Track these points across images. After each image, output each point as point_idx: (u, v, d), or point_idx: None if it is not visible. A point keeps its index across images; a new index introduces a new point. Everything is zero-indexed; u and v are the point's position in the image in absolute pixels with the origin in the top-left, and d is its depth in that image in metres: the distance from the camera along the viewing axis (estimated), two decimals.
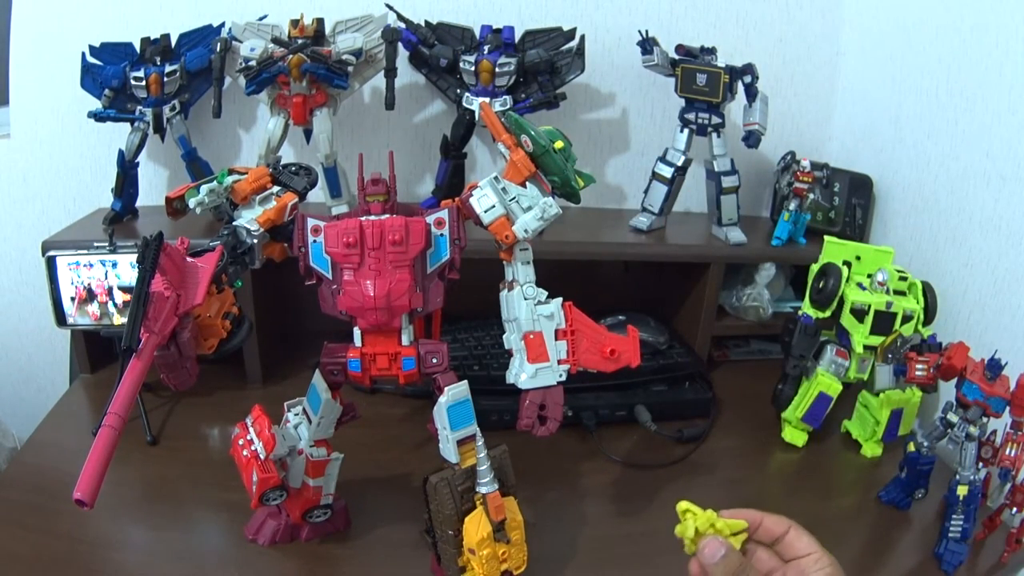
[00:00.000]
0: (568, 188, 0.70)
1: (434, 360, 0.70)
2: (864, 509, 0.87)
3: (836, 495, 0.92)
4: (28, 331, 1.26)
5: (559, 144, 0.69)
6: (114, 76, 1.05)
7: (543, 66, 1.09)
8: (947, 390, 0.83)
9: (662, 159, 1.15)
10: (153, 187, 1.19)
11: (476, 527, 0.64)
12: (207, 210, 0.75)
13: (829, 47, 1.29)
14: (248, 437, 0.71)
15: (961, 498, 0.76)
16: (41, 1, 1.11)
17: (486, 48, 1.08)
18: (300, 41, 1.02)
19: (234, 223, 0.74)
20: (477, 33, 1.11)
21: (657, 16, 1.21)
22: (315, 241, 0.69)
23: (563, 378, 0.71)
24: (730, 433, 1.01)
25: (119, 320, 0.98)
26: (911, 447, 0.83)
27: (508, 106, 1.08)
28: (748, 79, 1.10)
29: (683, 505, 0.54)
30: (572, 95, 1.15)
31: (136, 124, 1.07)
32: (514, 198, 0.69)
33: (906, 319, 0.91)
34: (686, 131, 1.12)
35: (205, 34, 1.10)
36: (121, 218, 1.11)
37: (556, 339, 0.70)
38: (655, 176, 1.15)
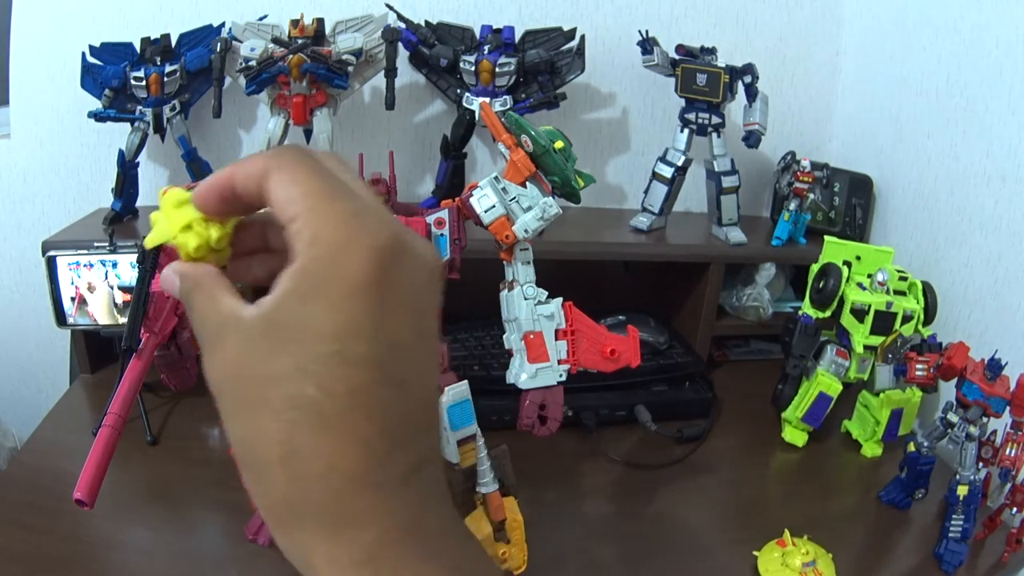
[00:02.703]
0: (568, 188, 0.70)
1: None
2: (864, 509, 0.87)
3: (836, 495, 0.92)
4: (28, 331, 1.26)
5: (559, 144, 0.69)
6: (114, 76, 1.05)
7: (543, 66, 1.09)
8: (947, 390, 0.83)
9: (662, 159, 1.15)
10: (153, 187, 1.18)
11: (476, 527, 0.64)
12: None
13: (829, 47, 1.29)
14: None
15: (961, 498, 0.76)
16: (41, 1, 1.11)
17: (486, 48, 1.08)
18: (300, 41, 1.02)
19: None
20: (477, 33, 1.11)
21: (657, 16, 1.21)
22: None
23: (563, 378, 0.71)
24: (730, 433, 1.01)
25: (114, 316, 0.98)
26: (911, 447, 0.83)
27: (508, 106, 1.08)
28: (748, 79, 1.10)
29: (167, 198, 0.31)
30: (572, 95, 1.15)
31: (136, 124, 1.07)
32: (514, 198, 0.69)
33: (906, 319, 0.91)
34: (686, 131, 1.12)
35: (205, 34, 1.10)
36: (121, 218, 1.11)
37: (556, 339, 0.70)
38: (655, 176, 1.15)
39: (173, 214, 0.30)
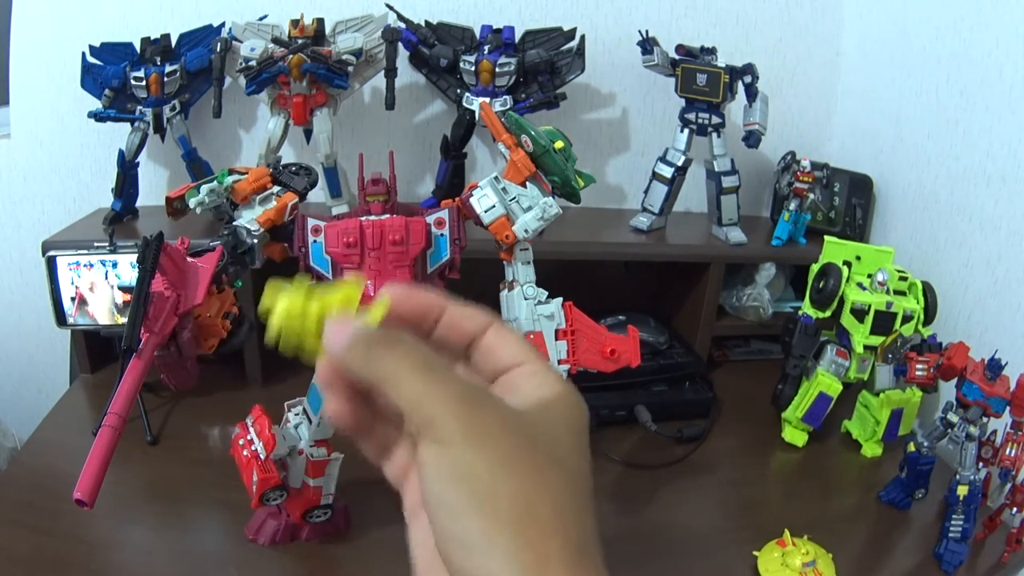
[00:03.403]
0: (568, 188, 0.70)
1: None
2: (864, 509, 0.87)
3: (836, 495, 0.92)
4: (28, 331, 1.26)
5: (559, 144, 0.69)
6: (114, 76, 1.05)
7: (543, 66, 1.09)
8: (947, 390, 0.83)
9: (662, 159, 1.15)
10: (153, 187, 1.18)
11: None
12: (207, 210, 0.75)
13: (829, 47, 1.29)
14: (248, 437, 0.71)
15: (961, 498, 0.76)
16: (41, 1, 1.11)
17: (486, 48, 1.08)
18: (300, 41, 1.02)
19: (234, 223, 0.74)
20: (477, 33, 1.11)
21: (657, 16, 1.21)
22: (315, 241, 0.69)
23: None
24: (730, 433, 1.01)
25: (114, 316, 0.98)
26: (911, 447, 0.83)
27: (508, 106, 1.08)
28: (748, 79, 1.10)
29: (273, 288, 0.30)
30: (572, 95, 1.15)
31: (136, 124, 1.07)
32: (514, 198, 0.69)
33: (906, 319, 0.91)
34: (686, 131, 1.12)
35: (205, 34, 1.10)
36: (121, 218, 1.11)
37: (556, 339, 0.70)
38: (655, 176, 1.15)
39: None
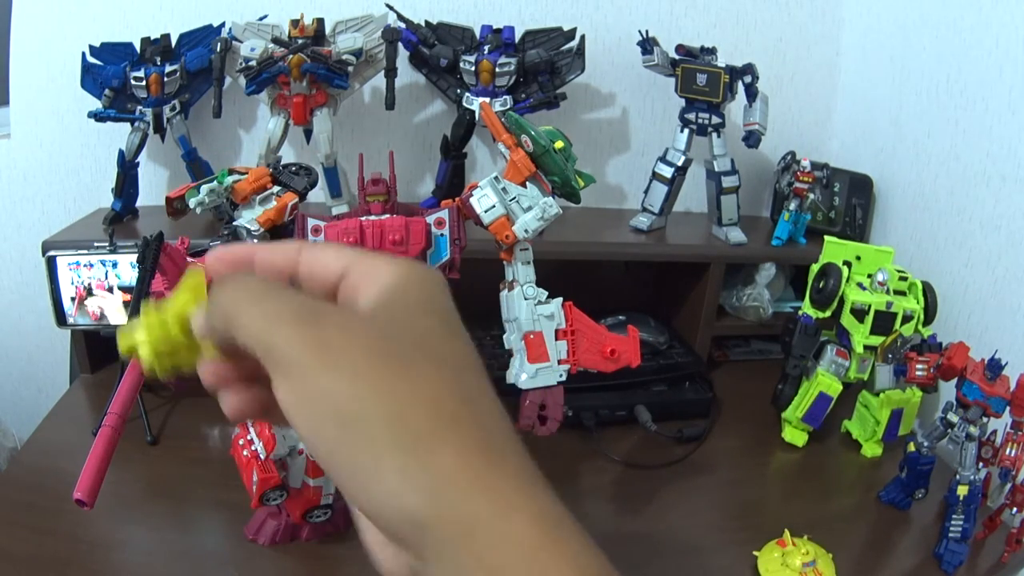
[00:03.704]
0: (568, 188, 0.70)
1: None
2: (864, 509, 0.87)
3: (836, 495, 0.93)
4: (28, 331, 1.26)
5: (559, 144, 0.69)
6: (114, 76, 1.05)
7: (543, 66, 1.09)
8: (947, 390, 0.83)
9: (662, 159, 1.15)
10: (153, 187, 1.18)
11: None
12: (207, 210, 0.76)
13: (829, 47, 1.29)
14: (248, 437, 0.71)
15: (961, 498, 0.76)
16: (41, 1, 1.11)
17: (486, 48, 1.08)
18: (300, 41, 1.02)
19: (234, 223, 0.74)
20: (477, 33, 1.11)
21: (657, 16, 1.21)
22: (315, 241, 0.69)
23: (563, 378, 0.71)
24: (730, 433, 1.01)
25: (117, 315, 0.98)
26: (911, 447, 0.83)
27: (508, 106, 1.08)
28: (748, 79, 1.10)
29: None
30: (572, 95, 1.15)
31: (136, 124, 1.07)
32: (514, 198, 0.69)
33: (906, 319, 0.91)
34: (686, 131, 1.12)
35: (205, 34, 1.10)
36: (121, 218, 1.11)
37: (556, 339, 0.70)
38: (655, 176, 1.15)
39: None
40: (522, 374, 0.70)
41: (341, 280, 0.27)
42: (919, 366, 0.82)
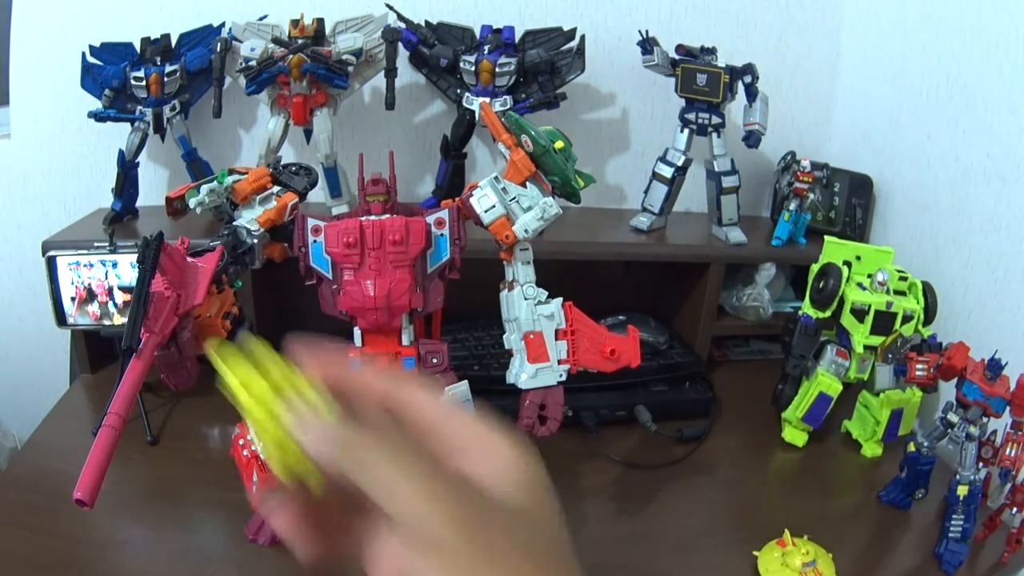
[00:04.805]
0: (568, 188, 0.70)
1: (434, 360, 0.70)
2: (864, 509, 0.87)
3: (836, 495, 0.93)
4: (28, 331, 1.26)
5: (559, 144, 0.69)
6: (114, 76, 1.05)
7: (543, 66, 1.09)
8: (947, 390, 0.83)
9: (662, 159, 1.15)
10: (153, 187, 1.19)
11: None
12: (207, 210, 0.75)
13: (829, 47, 1.29)
14: (248, 437, 0.71)
15: (961, 498, 0.76)
16: (41, 1, 1.11)
17: (486, 48, 1.08)
18: (300, 41, 1.02)
19: (234, 223, 0.74)
20: (477, 33, 1.11)
21: (657, 16, 1.21)
22: (315, 241, 0.69)
23: (563, 378, 0.71)
24: (730, 433, 1.01)
25: (119, 320, 0.98)
26: (911, 447, 0.83)
27: (508, 106, 1.08)
28: (748, 79, 1.10)
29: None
30: (572, 95, 1.15)
31: (136, 124, 1.07)
32: (514, 198, 0.69)
33: (906, 319, 0.91)
34: (686, 131, 1.12)
35: (205, 34, 1.10)
36: (121, 218, 1.11)
37: (556, 339, 0.71)
38: (655, 176, 1.15)
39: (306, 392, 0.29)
40: (522, 374, 0.70)
41: (452, 449, 0.28)
42: (919, 366, 0.82)
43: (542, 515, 0.28)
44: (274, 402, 0.28)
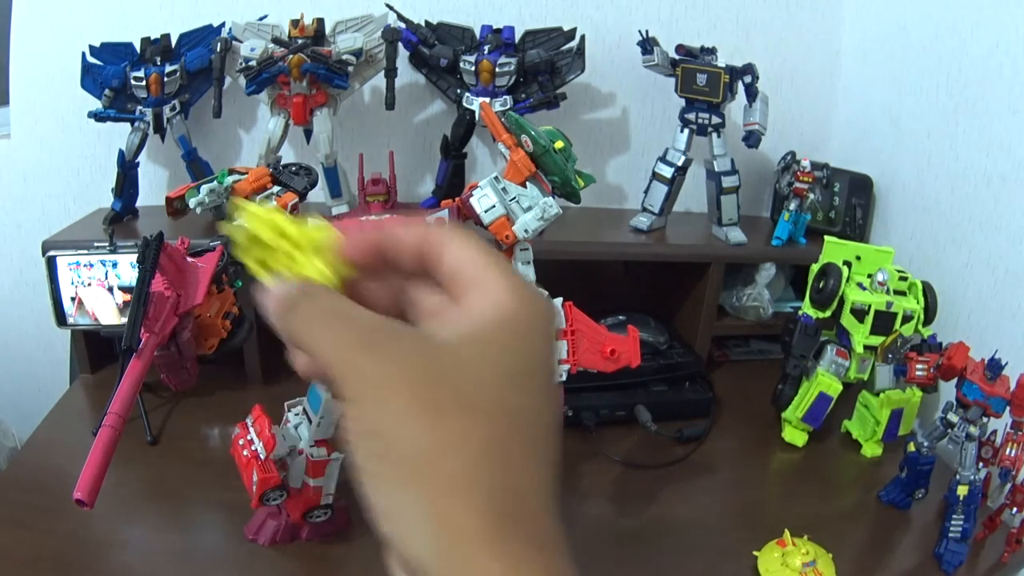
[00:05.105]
0: (568, 188, 0.70)
1: None
2: (864, 509, 0.87)
3: (836, 495, 0.92)
4: (28, 331, 1.26)
5: (559, 144, 0.69)
6: (114, 76, 1.05)
7: (543, 66, 1.09)
8: (947, 390, 0.83)
9: (662, 159, 1.15)
10: (153, 187, 1.18)
11: None
12: (207, 210, 0.76)
13: (829, 47, 1.29)
14: (248, 437, 0.71)
15: (961, 498, 0.76)
16: (41, 1, 1.11)
17: (486, 48, 1.08)
18: (300, 41, 1.02)
19: (234, 223, 0.74)
20: (477, 33, 1.11)
21: (657, 16, 1.21)
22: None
23: (563, 378, 0.71)
24: (730, 433, 1.01)
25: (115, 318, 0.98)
26: (911, 447, 0.83)
27: (508, 106, 1.08)
28: (748, 79, 1.10)
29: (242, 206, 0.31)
30: (572, 95, 1.15)
31: (136, 124, 1.07)
32: (514, 198, 0.69)
33: (906, 319, 0.91)
34: (686, 131, 1.12)
35: (205, 34, 1.10)
36: (121, 218, 1.11)
37: (556, 339, 0.70)
38: (655, 176, 1.15)
39: (309, 259, 0.29)
40: None
41: (463, 288, 0.26)
42: (919, 366, 0.82)
43: (490, 391, 0.24)
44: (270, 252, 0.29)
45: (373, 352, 0.24)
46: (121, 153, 1.08)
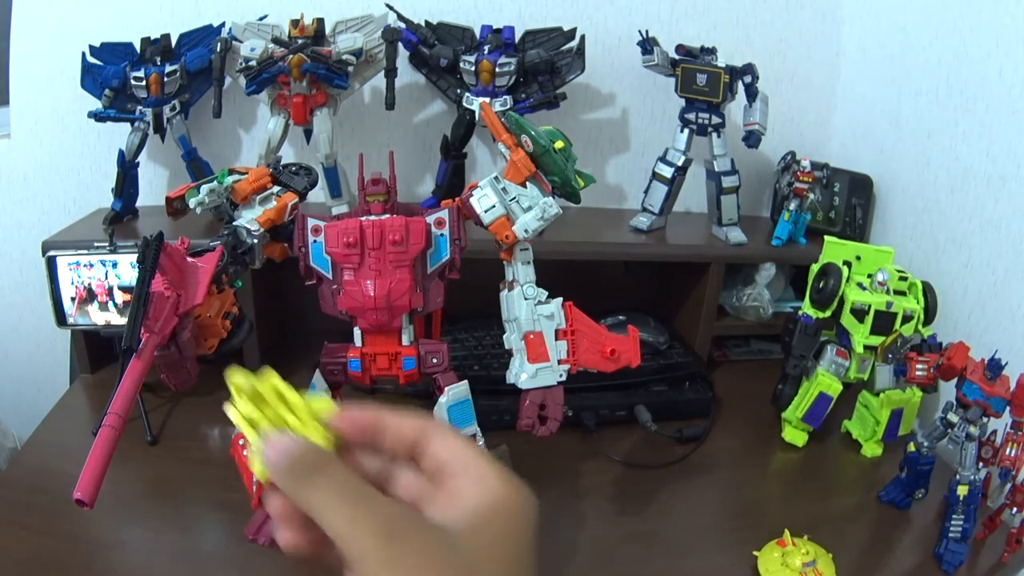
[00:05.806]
0: (568, 188, 0.70)
1: (434, 360, 0.70)
2: (864, 509, 0.87)
3: (836, 495, 0.92)
4: (28, 331, 1.26)
5: (559, 144, 0.69)
6: (114, 76, 1.05)
7: (543, 66, 1.09)
8: (947, 390, 0.83)
9: (662, 159, 1.15)
10: (153, 187, 1.19)
11: None
12: (207, 210, 0.75)
13: (829, 47, 1.29)
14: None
15: (961, 498, 0.76)
16: (41, 1, 1.11)
17: (486, 48, 1.08)
18: (300, 41, 1.02)
19: (234, 223, 0.74)
20: (477, 33, 1.11)
21: (657, 16, 1.21)
22: (315, 241, 0.69)
23: (563, 378, 0.71)
24: (730, 433, 1.01)
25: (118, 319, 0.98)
26: (911, 447, 0.83)
27: (508, 106, 1.08)
28: (748, 79, 1.10)
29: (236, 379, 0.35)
30: (572, 95, 1.15)
31: (136, 124, 1.07)
32: (514, 198, 0.69)
33: (906, 319, 0.91)
34: (686, 131, 1.12)
35: (205, 34, 1.10)
36: (121, 218, 1.11)
37: (556, 339, 0.70)
38: (655, 176, 1.15)
39: (308, 423, 0.32)
40: (522, 374, 0.70)
41: (449, 474, 0.30)
42: (919, 366, 0.82)
43: (503, 552, 0.29)
44: (262, 418, 0.32)
45: (397, 543, 0.27)
46: (121, 153, 1.08)
